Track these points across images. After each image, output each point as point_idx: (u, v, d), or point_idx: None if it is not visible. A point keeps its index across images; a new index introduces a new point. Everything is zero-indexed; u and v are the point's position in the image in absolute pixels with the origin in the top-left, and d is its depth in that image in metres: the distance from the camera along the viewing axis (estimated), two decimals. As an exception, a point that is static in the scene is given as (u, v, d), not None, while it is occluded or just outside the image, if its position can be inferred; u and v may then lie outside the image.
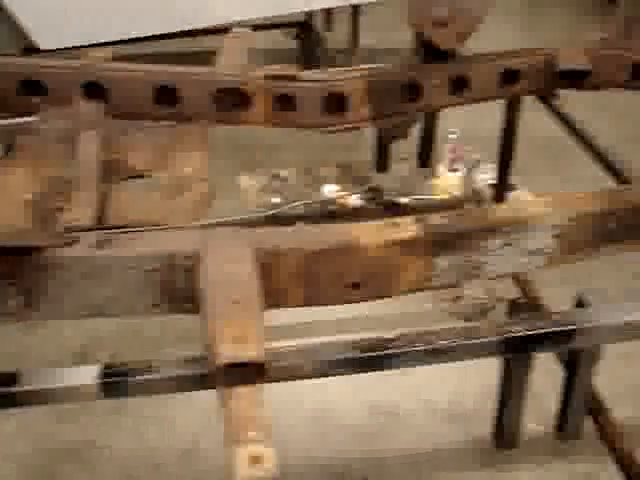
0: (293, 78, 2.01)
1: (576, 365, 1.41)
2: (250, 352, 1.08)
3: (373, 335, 1.30)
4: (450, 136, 3.36)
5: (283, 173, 3.50)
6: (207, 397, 1.16)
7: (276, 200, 3.28)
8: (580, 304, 1.37)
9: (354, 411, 2.36)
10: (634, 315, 1.34)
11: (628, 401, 2.57)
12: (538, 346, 1.32)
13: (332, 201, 3.24)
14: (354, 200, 3.22)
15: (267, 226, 1.53)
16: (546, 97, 2.22)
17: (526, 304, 1.37)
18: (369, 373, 1.34)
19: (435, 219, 1.41)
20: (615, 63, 2.16)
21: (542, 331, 1.30)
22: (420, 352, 1.28)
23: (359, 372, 1.29)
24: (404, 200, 3.21)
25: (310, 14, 4.97)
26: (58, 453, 2.18)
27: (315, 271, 1.37)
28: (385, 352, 1.27)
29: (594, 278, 2.81)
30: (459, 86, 2.08)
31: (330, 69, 2.15)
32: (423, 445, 2.18)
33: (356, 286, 1.40)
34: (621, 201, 1.46)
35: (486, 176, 3.29)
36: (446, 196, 3.21)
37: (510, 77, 2.11)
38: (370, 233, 1.38)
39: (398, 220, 1.40)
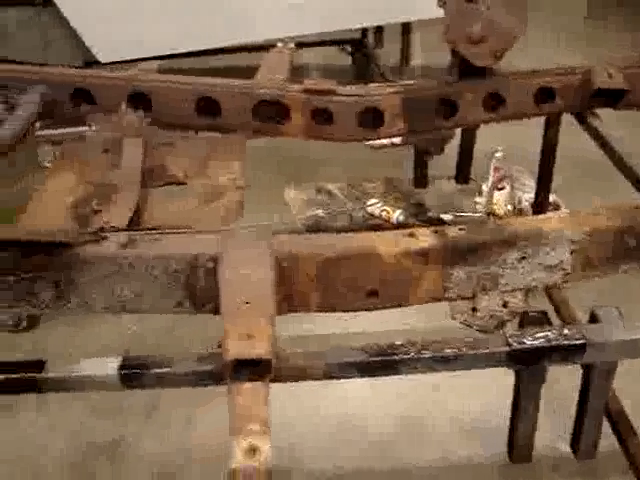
0: (331, 92, 2.07)
1: (590, 382, 1.41)
2: (257, 349, 1.13)
3: (383, 342, 1.33)
4: (496, 155, 3.37)
5: (328, 187, 3.56)
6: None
7: (320, 213, 3.34)
8: (593, 320, 1.38)
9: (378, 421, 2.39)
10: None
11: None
12: (547, 359, 1.32)
13: (375, 216, 3.28)
14: (397, 215, 3.25)
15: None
16: (583, 116, 2.21)
17: (537, 317, 1.38)
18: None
19: (452, 231, 1.43)
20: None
21: (551, 344, 1.31)
22: (428, 359, 1.30)
23: (366, 376, 1.31)
24: (447, 217, 3.23)
25: (364, 32, 5.05)
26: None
27: (333, 277, 1.40)
28: (392, 357, 1.29)
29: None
30: (494, 103, 2.11)
31: (369, 84, 2.20)
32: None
33: (372, 294, 1.44)
34: (640, 218, 1.46)
35: (531, 196, 3.27)
36: (489, 214, 3.21)
37: (545, 95, 2.12)
38: (387, 242, 1.42)
39: (415, 230, 1.44)
